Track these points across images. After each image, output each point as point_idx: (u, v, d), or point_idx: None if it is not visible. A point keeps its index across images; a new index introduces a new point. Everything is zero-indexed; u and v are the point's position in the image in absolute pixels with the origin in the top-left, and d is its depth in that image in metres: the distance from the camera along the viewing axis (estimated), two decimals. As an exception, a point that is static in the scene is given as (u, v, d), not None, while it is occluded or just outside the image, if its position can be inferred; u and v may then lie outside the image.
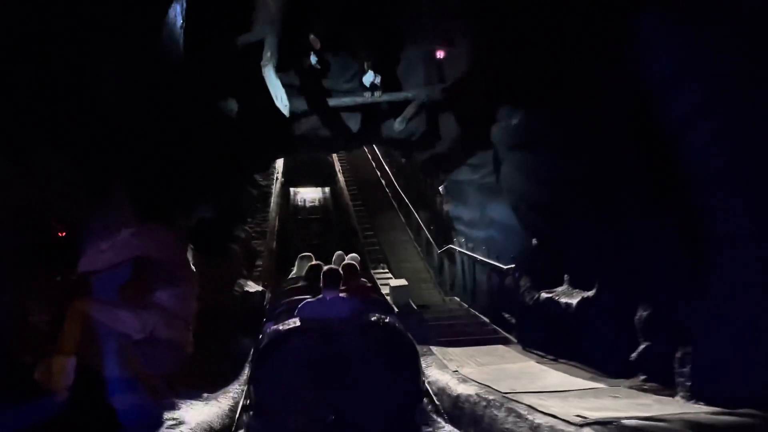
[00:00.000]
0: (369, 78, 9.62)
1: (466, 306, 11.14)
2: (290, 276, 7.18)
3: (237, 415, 5.71)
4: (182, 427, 4.70)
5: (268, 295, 9.97)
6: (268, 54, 8.44)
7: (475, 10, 8.45)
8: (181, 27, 6.93)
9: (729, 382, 4.20)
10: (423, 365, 6.00)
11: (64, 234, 5.05)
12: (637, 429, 3.53)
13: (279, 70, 8.63)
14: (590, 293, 6.23)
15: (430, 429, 5.26)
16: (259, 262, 12.69)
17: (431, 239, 13.60)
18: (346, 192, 18.53)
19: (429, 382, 6.27)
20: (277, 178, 18.21)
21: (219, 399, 5.92)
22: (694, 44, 4.53)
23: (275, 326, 4.69)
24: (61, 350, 4.73)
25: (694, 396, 4.47)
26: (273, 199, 16.88)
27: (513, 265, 8.50)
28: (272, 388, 4.31)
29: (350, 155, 20.22)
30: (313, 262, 6.23)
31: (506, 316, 8.91)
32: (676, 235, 4.80)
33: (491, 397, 4.99)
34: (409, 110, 9.57)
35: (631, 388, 5.14)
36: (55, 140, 4.91)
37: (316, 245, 13.69)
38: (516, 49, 7.21)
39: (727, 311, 4.29)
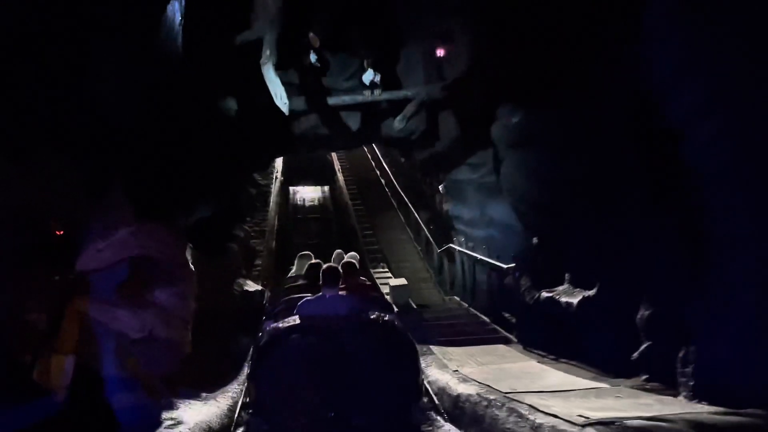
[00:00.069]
0: (369, 76, 9.62)
1: (466, 305, 11.11)
2: (290, 275, 7.20)
3: (236, 415, 5.70)
4: (181, 427, 4.68)
5: (267, 294, 9.98)
6: (268, 52, 8.44)
7: (475, 8, 8.44)
8: (180, 24, 6.91)
9: (731, 382, 4.20)
10: (423, 365, 6.01)
11: (61, 233, 5.05)
12: (640, 429, 3.52)
13: (278, 69, 8.64)
14: (591, 293, 6.22)
15: (430, 428, 5.26)
16: (258, 261, 12.67)
17: (431, 239, 13.56)
18: (345, 191, 18.49)
19: (429, 382, 6.26)
20: (276, 177, 18.15)
21: (218, 399, 5.91)
22: (694, 44, 4.53)
23: (275, 324, 4.70)
24: (59, 350, 4.72)
25: (696, 396, 4.46)
26: (272, 199, 16.82)
27: (513, 265, 8.48)
28: (272, 386, 4.31)
29: (350, 154, 20.20)
30: (313, 261, 6.25)
31: (506, 315, 8.90)
32: (676, 235, 4.80)
33: (492, 397, 4.98)
34: (409, 109, 9.54)
35: (633, 387, 5.13)
36: (55, 140, 4.90)
37: (316, 244, 13.66)
38: (516, 48, 7.21)
39: (727, 311, 4.29)
